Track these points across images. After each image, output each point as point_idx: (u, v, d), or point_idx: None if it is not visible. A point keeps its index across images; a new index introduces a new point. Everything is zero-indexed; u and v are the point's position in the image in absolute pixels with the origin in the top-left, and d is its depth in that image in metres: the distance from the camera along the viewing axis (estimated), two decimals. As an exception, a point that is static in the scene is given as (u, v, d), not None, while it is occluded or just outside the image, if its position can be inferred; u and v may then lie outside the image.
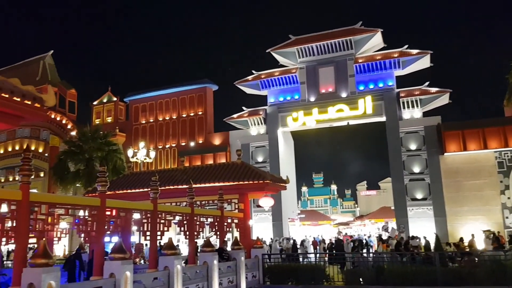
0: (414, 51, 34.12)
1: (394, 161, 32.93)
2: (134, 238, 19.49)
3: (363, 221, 47.94)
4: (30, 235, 8.58)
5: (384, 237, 28.02)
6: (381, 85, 34.60)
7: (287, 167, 37.01)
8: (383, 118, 34.32)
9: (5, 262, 18.68)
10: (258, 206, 29.82)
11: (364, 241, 27.11)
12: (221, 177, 17.98)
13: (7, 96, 6.40)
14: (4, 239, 8.45)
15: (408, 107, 33.70)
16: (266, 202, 18.50)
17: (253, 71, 38.26)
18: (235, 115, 38.33)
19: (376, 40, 35.35)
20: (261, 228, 34.28)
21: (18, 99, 6.61)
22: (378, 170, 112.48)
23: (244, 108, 38.42)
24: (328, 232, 41.14)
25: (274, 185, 18.44)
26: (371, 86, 34.86)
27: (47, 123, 38.62)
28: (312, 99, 35.97)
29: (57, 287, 7.75)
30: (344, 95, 35.17)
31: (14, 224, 8.20)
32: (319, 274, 16.18)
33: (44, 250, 7.86)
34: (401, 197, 32.32)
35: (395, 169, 32.92)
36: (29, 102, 6.77)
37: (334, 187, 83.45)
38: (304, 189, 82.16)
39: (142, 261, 18.22)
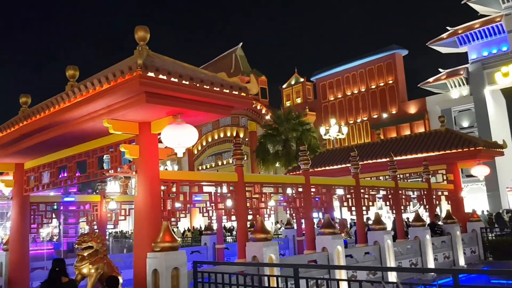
0: None
1: None
2: (336, 214, 19.81)
3: None
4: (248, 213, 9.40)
5: None
6: None
7: (500, 130, 32.50)
8: None
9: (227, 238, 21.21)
10: (468, 176, 27.07)
11: None
12: (424, 147, 16.77)
13: (218, 89, 7.00)
14: (225, 217, 9.57)
15: None
16: (481, 171, 16.42)
17: (448, 28, 34.51)
18: (430, 79, 35.37)
19: None
20: (473, 199, 30.97)
21: (227, 91, 7.16)
22: None
23: (440, 70, 35.07)
24: None
25: (488, 151, 16.28)
26: None
27: (245, 110, 42.31)
28: (525, 48, 30.64)
29: (276, 260, 8.33)
30: None
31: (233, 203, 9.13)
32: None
33: (262, 226, 8.56)
34: None
35: None
36: (237, 92, 7.29)
37: None
38: (523, 153, 70.90)
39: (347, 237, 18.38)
